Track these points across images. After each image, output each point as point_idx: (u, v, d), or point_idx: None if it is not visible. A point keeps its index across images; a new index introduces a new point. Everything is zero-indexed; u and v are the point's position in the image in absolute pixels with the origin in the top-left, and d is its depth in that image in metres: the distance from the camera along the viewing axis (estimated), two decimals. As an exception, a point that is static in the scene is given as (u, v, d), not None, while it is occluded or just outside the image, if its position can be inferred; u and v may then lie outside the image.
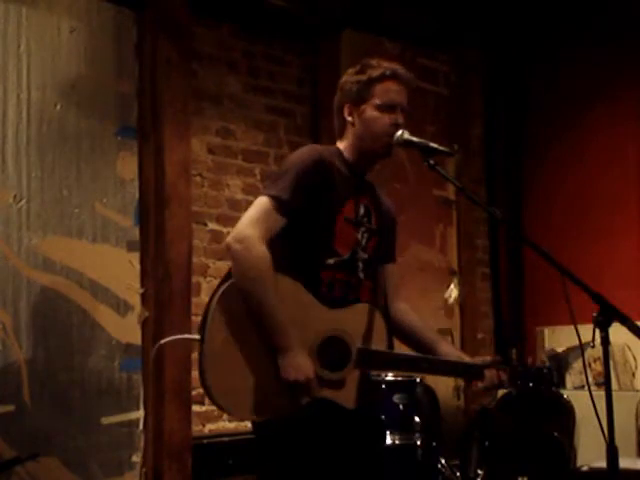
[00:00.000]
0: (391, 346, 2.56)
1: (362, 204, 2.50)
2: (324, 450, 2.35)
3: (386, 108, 2.47)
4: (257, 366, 2.28)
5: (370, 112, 2.47)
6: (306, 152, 2.45)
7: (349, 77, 2.54)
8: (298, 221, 2.37)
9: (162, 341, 2.66)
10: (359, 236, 2.47)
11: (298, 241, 2.39)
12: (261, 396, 2.28)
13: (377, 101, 2.47)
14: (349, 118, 2.51)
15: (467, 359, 2.53)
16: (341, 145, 2.55)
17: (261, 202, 2.36)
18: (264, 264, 2.29)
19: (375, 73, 2.49)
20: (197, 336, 2.30)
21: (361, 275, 2.46)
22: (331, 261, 2.40)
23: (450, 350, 2.57)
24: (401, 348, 2.64)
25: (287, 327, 2.29)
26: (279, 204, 2.34)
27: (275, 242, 2.36)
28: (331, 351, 2.35)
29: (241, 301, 2.29)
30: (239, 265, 2.30)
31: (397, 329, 2.62)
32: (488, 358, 2.54)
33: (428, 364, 2.50)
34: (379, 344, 2.44)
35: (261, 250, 2.29)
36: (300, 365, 2.27)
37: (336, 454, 2.38)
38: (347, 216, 2.44)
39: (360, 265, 2.46)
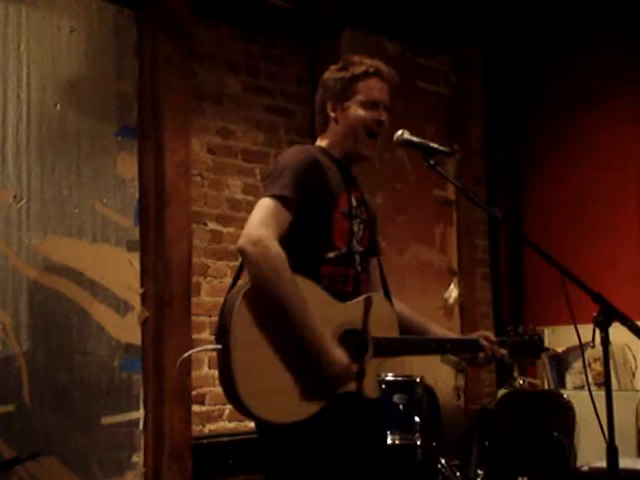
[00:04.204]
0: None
1: (354, 197, 2.51)
2: (352, 445, 2.35)
3: (369, 105, 2.48)
4: (286, 368, 2.24)
5: (354, 109, 2.49)
6: (300, 151, 2.45)
7: (332, 74, 2.55)
8: (299, 218, 2.37)
9: (184, 355, 2.56)
10: (355, 228, 2.48)
11: (300, 238, 2.38)
12: (294, 397, 2.24)
13: (361, 98, 2.48)
14: (332, 114, 2.52)
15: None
16: (323, 142, 2.56)
17: (265, 203, 2.33)
18: (282, 263, 2.25)
19: (358, 70, 2.50)
20: (218, 346, 2.24)
21: (358, 268, 2.47)
22: (331, 255, 2.40)
23: (440, 330, 2.69)
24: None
25: (317, 323, 2.25)
26: (283, 202, 2.32)
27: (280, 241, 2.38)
28: (349, 343, 2.34)
29: (262, 304, 2.25)
30: (257, 268, 2.25)
31: None
32: (484, 333, 2.63)
33: (436, 345, 2.58)
34: (390, 331, 2.46)
35: (278, 250, 2.26)
36: (339, 358, 2.26)
37: (361, 447, 2.39)
38: (343, 209, 2.44)
39: (357, 258, 2.47)
